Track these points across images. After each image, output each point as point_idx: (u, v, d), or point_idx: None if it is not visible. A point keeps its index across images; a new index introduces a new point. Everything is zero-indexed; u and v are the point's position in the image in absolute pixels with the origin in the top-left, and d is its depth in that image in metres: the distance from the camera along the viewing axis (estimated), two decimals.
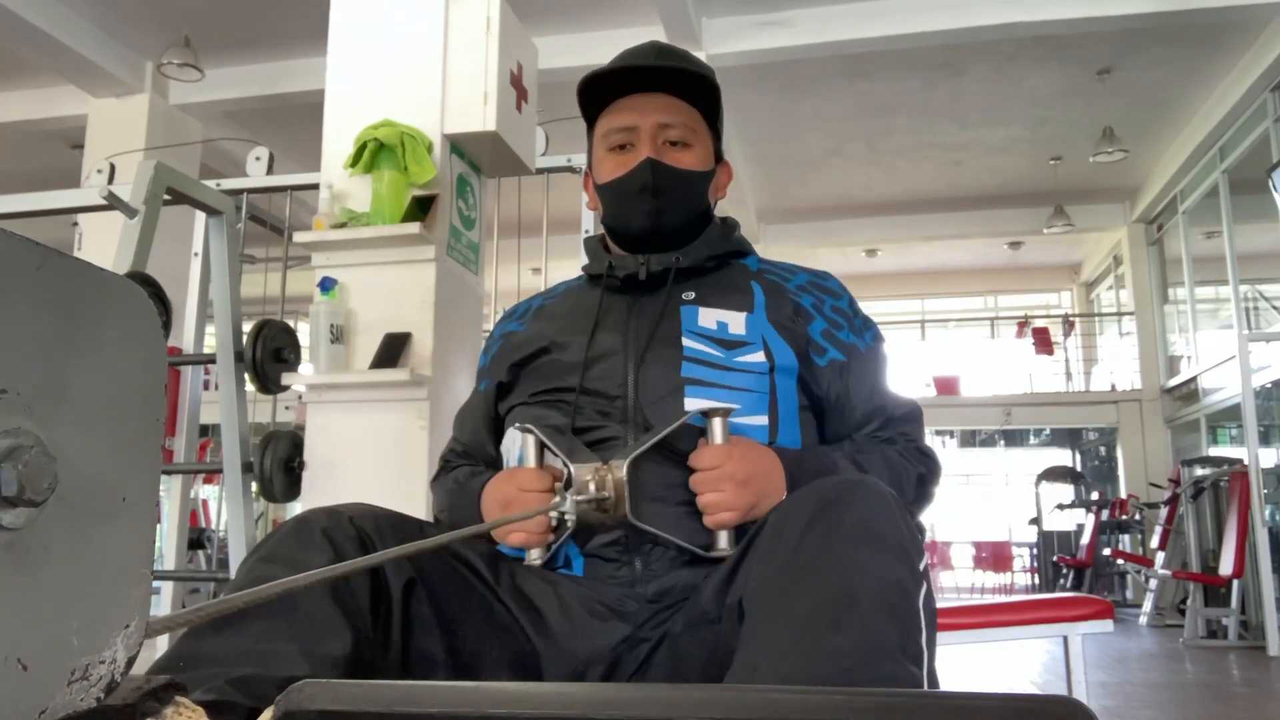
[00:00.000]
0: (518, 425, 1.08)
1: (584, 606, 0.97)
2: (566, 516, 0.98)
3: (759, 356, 1.07)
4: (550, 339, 1.13)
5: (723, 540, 1.01)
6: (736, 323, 1.09)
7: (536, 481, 1.03)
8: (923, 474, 1.10)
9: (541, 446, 1.07)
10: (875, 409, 1.13)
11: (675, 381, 1.05)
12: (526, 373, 1.14)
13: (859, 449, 1.09)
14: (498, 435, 1.20)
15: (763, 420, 1.05)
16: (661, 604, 0.97)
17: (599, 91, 1.16)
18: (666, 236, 1.13)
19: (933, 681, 0.76)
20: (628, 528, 1.00)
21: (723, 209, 1.26)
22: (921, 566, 0.80)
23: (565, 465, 1.01)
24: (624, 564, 1.00)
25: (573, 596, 0.98)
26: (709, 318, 1.09)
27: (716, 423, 1.02)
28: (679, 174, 1.12)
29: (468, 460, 1.24)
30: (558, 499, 0.99)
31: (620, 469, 1.00)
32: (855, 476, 0.87)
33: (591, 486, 0.99)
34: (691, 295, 1.12)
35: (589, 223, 3.35)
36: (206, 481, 6.36)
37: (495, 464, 1.20)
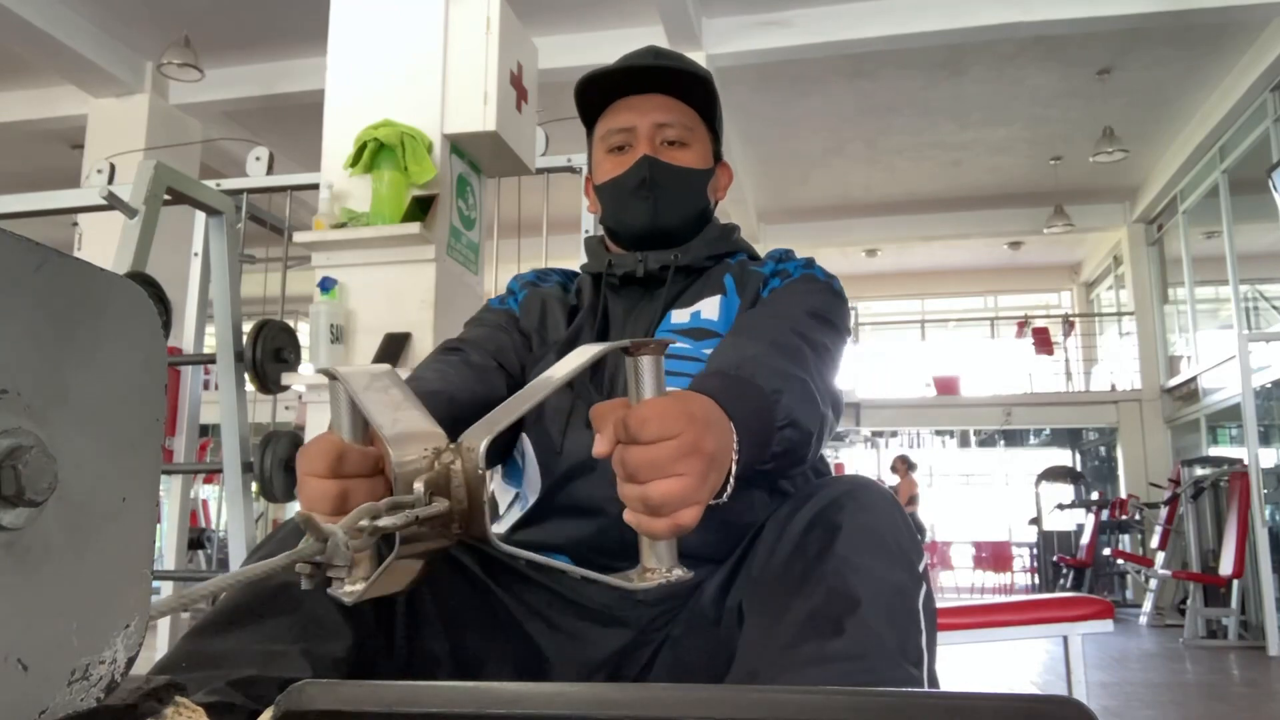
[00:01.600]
0: (323, 368, 0.75)
1: (585, 612, 0.96)
2: (333, 566, 0.57)
3: None
4: (546, 336, 1.13)
5: (660, 557, 0.66)
6: (710, 307, 1.08)
7: (317, 462, 0.70)
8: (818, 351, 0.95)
9: (354, 403, 0.69)
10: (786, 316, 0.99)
11: None
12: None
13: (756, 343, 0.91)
14: (519, 353, 1.10)
15: None
16: (662, 607, 0.96)
17: (596, 95, 1.16)
18: (665, 234, 1.13)
19: (933, 683, 0.76)
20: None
21: (723, 209, 1.26)
22: (921, 568, 0.80)
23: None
24: (626, 568, 0.99)
25: (573, 600, 0.97)
26: (683, 315, 1.08)
27: (646, 364, 0.66)
28: (676, 171, 1.12)
29: (455, 353, 1.07)
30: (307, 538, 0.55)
31: (475, 451, 0.63)
32: (855, 479, 0.86)
33: (419, 486, 0.61)
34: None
35: (589, 223, 3.35)
36: (206, 481, 6.37)
37: (513, 367, 1.08)
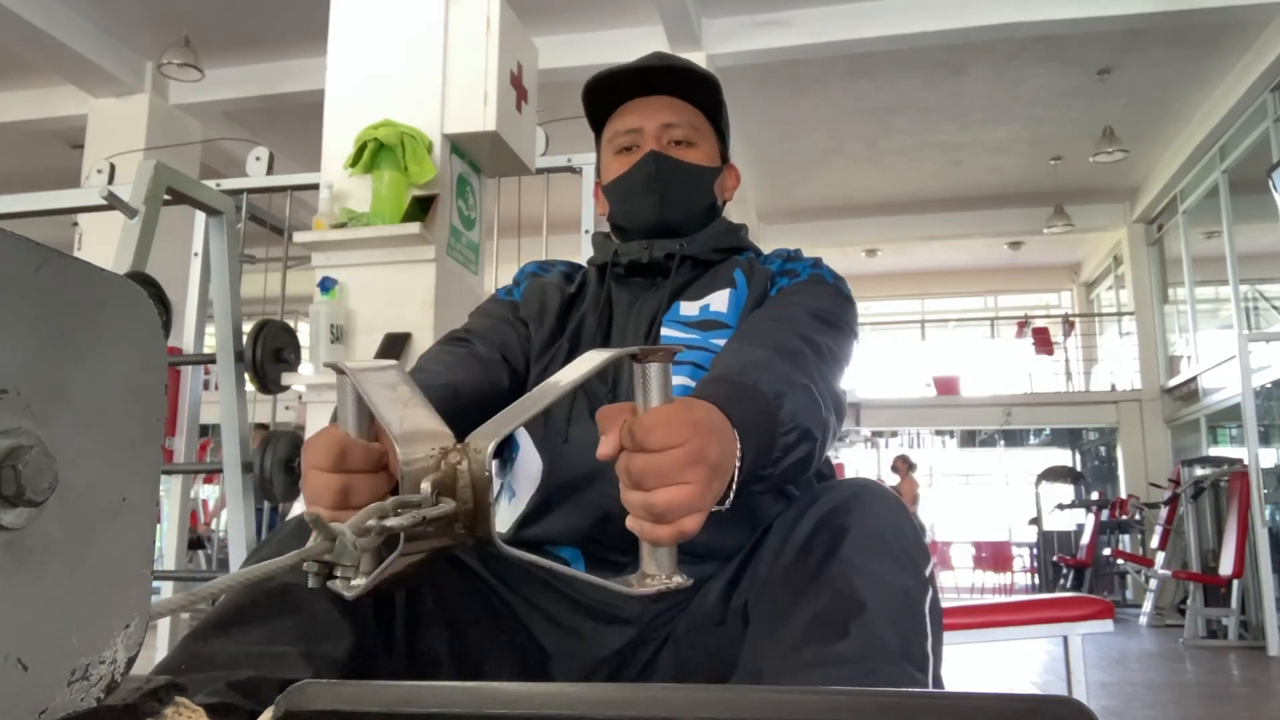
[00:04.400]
0: (330, 363, 0.76)
1: (587, 610, 0.96)
2: (340, 565, 0.56)
3: None
4: (543, 322, 1.12)
5: (660, 563, 0.66)
6: (719, 300, 1.08)
7: (324, 456, 0.70)
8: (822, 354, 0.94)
9: (361, 399, 0.69)
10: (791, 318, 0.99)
11: None
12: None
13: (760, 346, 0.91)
14: (522, 345, 1.10)
15: None
16: (664, 604, 0.96)
17: (604, 98, 1.17)
18: (671, 229, 1.13)
19: (938, 687, 0.76)
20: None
21: (725, 210, 1.26)
22: (927, 571, 0.80)
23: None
24: (629, 565, 0.99)
25: (575, 598, 0.96)
26: (692, 307, 1.08)
27: (653, 371, 0.66)
28: (683, 167, 1.12)
29: (461, 344, 1.07)
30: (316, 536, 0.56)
31: (483, 453, 0.63)
32: (860, 481, 0.86)
33: (426, 486, 0.61)
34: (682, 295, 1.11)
35: (589, 222, 3.35)
36: (206, 481, 6.37)
37: (516, 360, 1.08)
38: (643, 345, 0.71)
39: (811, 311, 1.00)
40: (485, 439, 0.64)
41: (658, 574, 0.66)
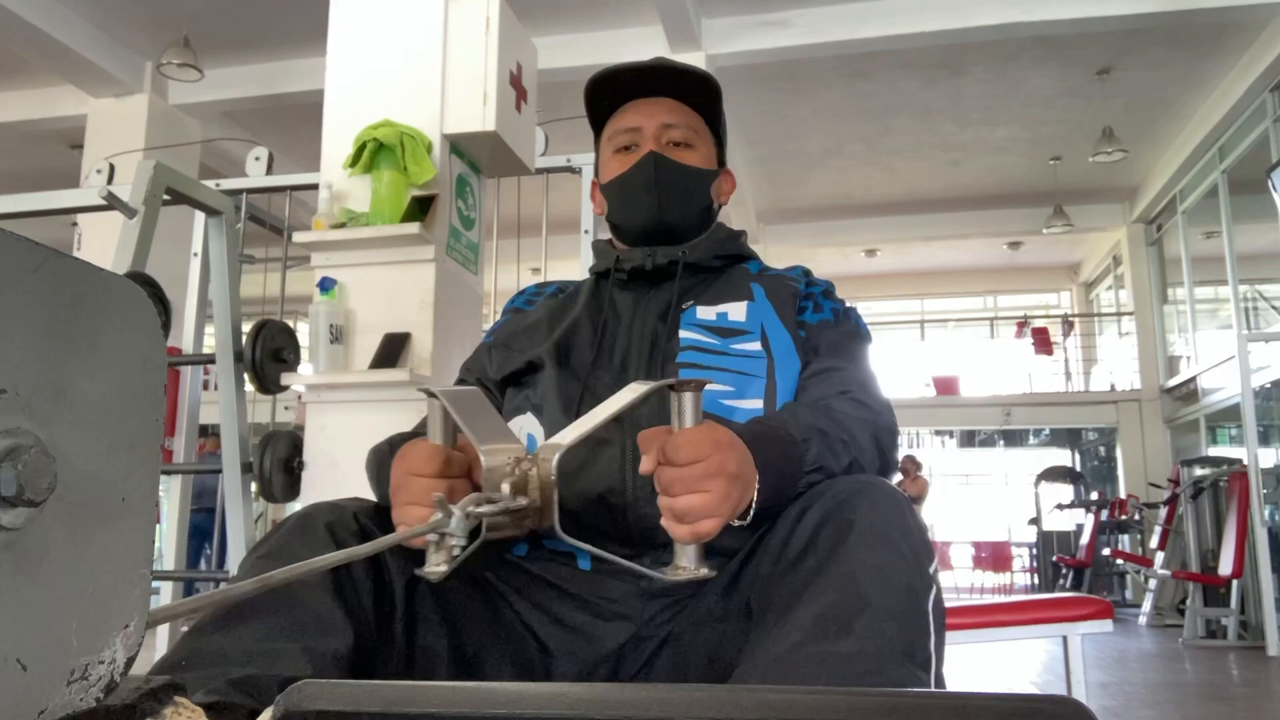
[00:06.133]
0: (423, 388, 0.91)
1: (589, 606, 0.96)
2: (452, 536, 0.74)
3: (755, 345, 1.06)
4: (554, 339, 1.13)
5: (689, 558, 0.79)
6: (737, 310, 1.09)
7: (425, 464, 0.85)
8: (868, 419, 0.98)
9: (448, 417, 0.85)
10: (834, 369, 1.04)
11: (671, 371, 1.03)
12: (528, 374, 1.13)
13: (801, 406, 0.98)
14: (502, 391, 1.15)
15: (758, 404, 1.02)
16: (666, 602, 0.96)
17: (605, 98, 1.18)
18: (669, 230, 1.14)
19: (939, 686, 0.76)
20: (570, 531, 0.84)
21: (723, 211, 1.27)
22: (931, 570, 0.80)
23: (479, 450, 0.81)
24: (632, 561, 0.99)
25: (577, 595, 0.97)
26: (709, 312, 1.09)
27: (687, 399, 0.80)
28: (681, 168, 1.14)
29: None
30: (438, 514, 0.74)
31: (549, 461, 0.79)
32: (864, 478, 0.86)
33: (506, 487, 0.79)
34: (690, 302, 1.12)
35: (588, 222, 3.35)
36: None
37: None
38: (667, 372, 0.90)
39: (857, 382, 1.03)
40: (551, 450, 0.80)
41: (687, 566, 0.79)
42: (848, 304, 1.16)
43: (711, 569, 0.80)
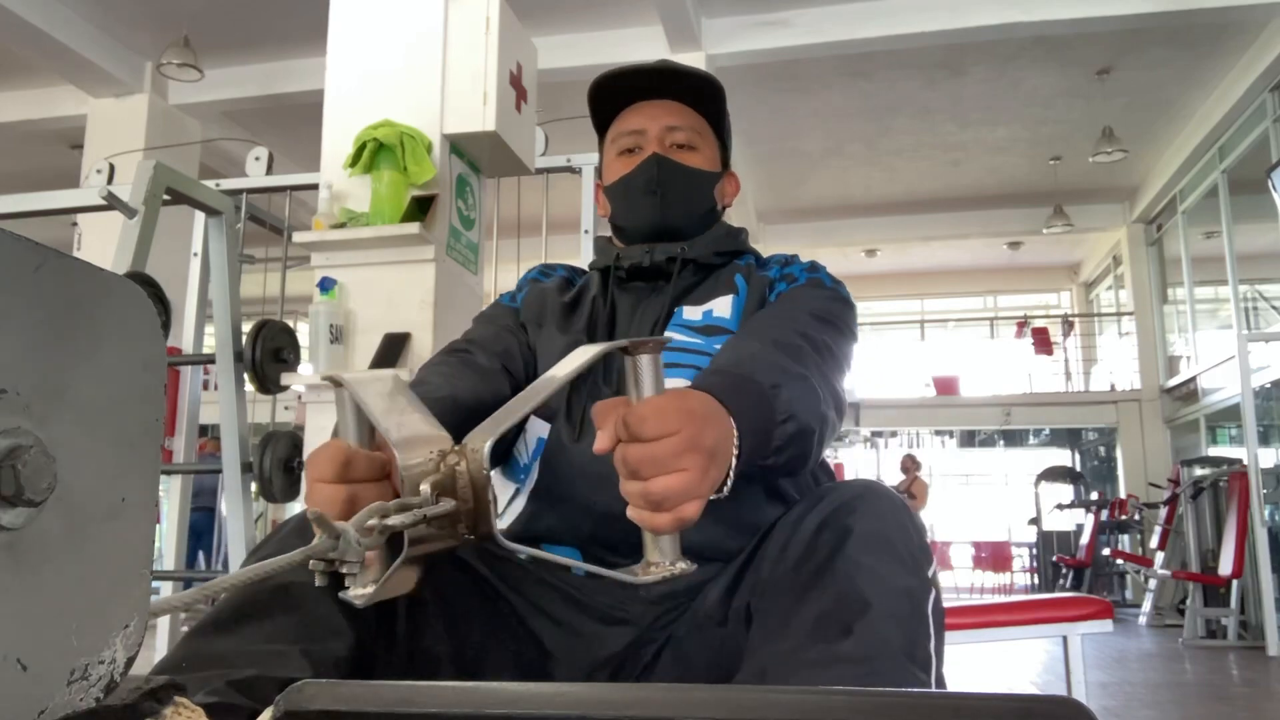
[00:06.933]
0: (328, 375, 0.76)
1: (589, 610, 0.96)
2: (343, 561, 0.57)
3: None
4: (543, 325, 1.13)
5: (663, 551, 0.67)
6: (722, 306, 1.09)
7: (325, 468, 0.71)
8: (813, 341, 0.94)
9: (360, 409, 0.70)
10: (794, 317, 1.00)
11: None
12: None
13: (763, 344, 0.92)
14: (523, 354, 1.11)
15: None
16: (666, 605, 0.96)
17: (609, 100, 1.19)
18: (672, 232, 1.14)
19: (940, 687, 0.76)
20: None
21: (724, 215, 1.27)
22: (930, 573, 0.80)
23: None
24: (632, 564, 0.99)
25: (577, 598, 0.97)
26: (695, 312, 1.10)
27: (645, 362, 0.67)
28: (684, 170, 1.14)
29: (461, 354, 1.08)
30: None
31: (480, 453, 0.64)
32: (863, 482, 0.86)
33: (426, 487, 0.62)
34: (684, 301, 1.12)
35: (588, 222, 3.36)
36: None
37: (517, 370, 1.09)
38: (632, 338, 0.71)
39: (810, 311, 1.02)
40: (481, 439, 0.65)
41: (661, 561, 0.67)
42: (822, 269, 1.14)
43: (690, 563, 0.68)
